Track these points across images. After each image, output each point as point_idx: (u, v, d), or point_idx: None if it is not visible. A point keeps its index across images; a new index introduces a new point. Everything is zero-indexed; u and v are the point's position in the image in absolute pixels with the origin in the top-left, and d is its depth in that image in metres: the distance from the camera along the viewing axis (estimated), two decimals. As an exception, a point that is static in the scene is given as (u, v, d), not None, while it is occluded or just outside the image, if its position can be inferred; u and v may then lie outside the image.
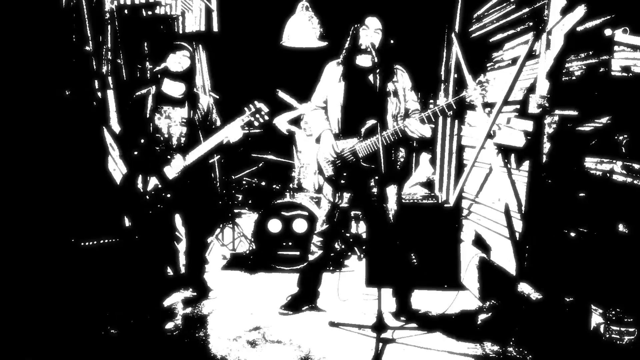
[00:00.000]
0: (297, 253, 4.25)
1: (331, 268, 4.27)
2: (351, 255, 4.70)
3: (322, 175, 3.23)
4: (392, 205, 3.17)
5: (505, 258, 3.52)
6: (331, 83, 3.21)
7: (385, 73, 3.06)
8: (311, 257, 3.38)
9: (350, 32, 3.14)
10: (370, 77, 3.05)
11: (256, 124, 3.29)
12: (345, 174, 3.14)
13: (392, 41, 3.12)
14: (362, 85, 3.10)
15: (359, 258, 4.60)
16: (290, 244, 4.26)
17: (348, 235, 5.06)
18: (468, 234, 4.09)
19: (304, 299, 3.43)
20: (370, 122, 3.03)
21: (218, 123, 3.46)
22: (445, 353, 2.80)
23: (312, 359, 2.75)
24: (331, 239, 3.39)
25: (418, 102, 3.20)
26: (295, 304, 3.39)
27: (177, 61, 3.28)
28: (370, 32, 3.02)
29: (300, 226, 4.27)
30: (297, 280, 3.46)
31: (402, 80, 3.15)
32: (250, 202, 5.17)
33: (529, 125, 3.23)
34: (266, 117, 3.26)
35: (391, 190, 3.18)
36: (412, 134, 2.95)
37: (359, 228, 5.07)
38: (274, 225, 4.26)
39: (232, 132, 3.25)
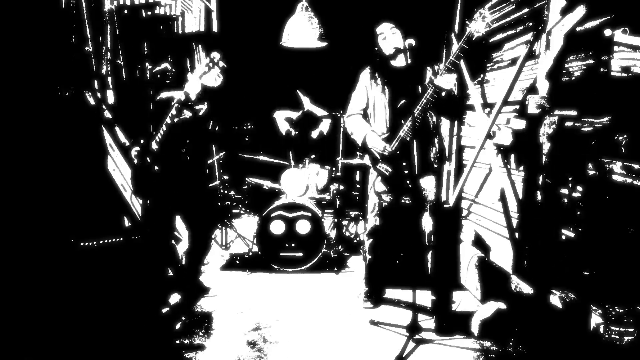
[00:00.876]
0: (300, 254, 4.22)
1: (335, 269, 4.28)
2: (351, 255, 4.71)
3: (382, 175, 3.31)
4: (431, 197, 3.29)
5: (505, 258, 3.52)
6: (371, 88, 3.35)
7: (418, 71, 3.22)
8: (367, 259, 3.57)
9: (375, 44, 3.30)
10: (406, 76, 3.20)
11: (212, 73, 3.26)
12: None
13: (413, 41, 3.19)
14: (401, 85, 3.23)
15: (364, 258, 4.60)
16: (293, 245, 4.24)
17: (348, 235, 5.07)
18: (468, 234, 4.09)
19: (371, 295, 3.57)
20: (403, 101, 3.13)
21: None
22: (444, 353, 2.80)
23: (311, 358, 2.76)
24: (381, 238, 3.50)
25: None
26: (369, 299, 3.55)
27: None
28: (389, 34, 3.18)
29: (303, 227, 4.24)
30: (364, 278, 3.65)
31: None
32: (251, 203, 5.17)
33: (528, 126, 3.23)
34: (221, 63, 3.21)
35: (429, 182, 3.29)
36: (443, 86, 2.98)
37: (359, 228, 5.07)
38: (277, 227, 4.24)
39: (192, 87, 3.18)
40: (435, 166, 3.33)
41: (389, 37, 3.19)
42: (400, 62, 3.25)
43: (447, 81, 2.97)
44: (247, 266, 4.33)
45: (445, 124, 4.71)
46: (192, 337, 2.97)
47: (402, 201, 3.41)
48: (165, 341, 2.92)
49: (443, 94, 3.01)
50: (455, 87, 3.08)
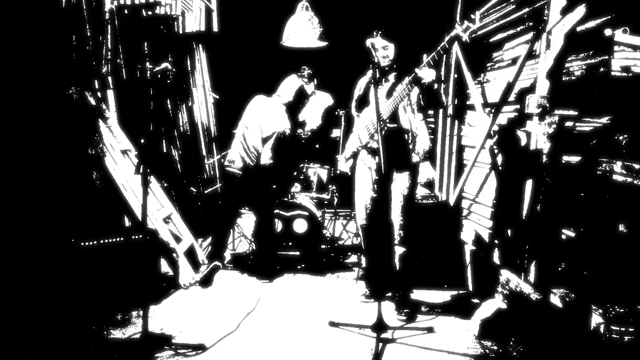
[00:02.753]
0: (298, 253, 4.23)
1: (333, 268, 4.28)
2: (349, 255, 4.71)
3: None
4: (403, 193, 3.31)
5: (505, 258, 3.51)
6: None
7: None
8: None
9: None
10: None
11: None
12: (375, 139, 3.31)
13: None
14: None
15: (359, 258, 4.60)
16: (290, 244, 4.24)
17: (346, 234, 5.07)
18: (468, 234, 4.09)
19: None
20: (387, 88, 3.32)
21: None
22: (444, 353, 2.80)
23: (311, 358, 2.76)
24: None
25: None
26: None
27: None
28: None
29: (300, 226, 4.24)
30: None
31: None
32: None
33: (528, 126, 3.23)
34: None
35: (403, 178, 3.31)
36: (423, 77, 3.16)
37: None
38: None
39: None
40: (413, 161, 3.37)
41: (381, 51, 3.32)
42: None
43: (427, 74, 3.15)
44: (246, 265, 4.32)
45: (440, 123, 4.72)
46: (192, 336, 2.97)
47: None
48: (165, 340, 2.92)
49: (425, 82, 3.16)
50: (436, 84, 3.25)
